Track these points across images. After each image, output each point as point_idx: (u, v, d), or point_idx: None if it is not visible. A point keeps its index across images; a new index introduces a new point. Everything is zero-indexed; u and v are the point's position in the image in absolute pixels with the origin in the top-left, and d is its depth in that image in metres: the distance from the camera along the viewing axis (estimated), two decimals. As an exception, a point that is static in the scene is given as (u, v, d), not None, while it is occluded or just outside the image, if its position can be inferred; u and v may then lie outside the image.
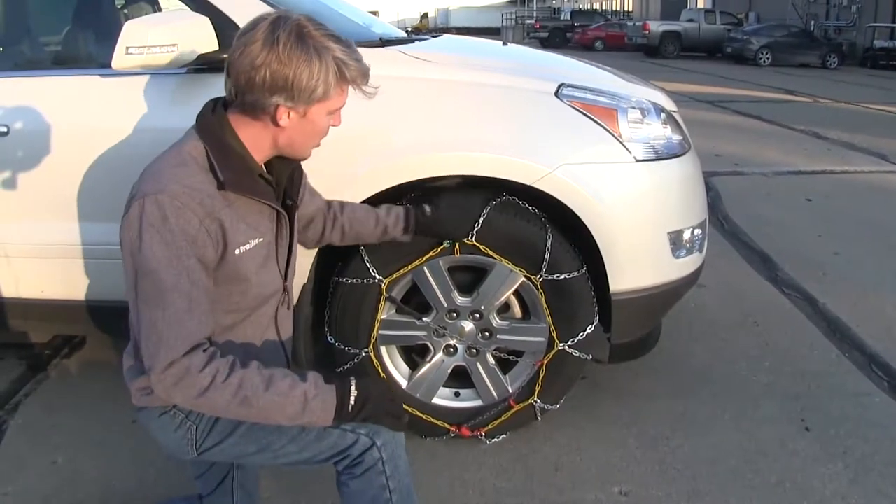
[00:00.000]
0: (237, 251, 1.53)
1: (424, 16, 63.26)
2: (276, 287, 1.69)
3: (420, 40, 2.91)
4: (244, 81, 1.46)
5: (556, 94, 2.29)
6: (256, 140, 1.55)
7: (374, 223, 2.06)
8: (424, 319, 2.41)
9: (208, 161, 1.51)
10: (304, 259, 2.27)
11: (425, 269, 2.30)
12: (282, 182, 1.66)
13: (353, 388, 1.53)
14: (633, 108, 2.35)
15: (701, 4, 39.25)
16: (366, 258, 2.27)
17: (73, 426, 2.64)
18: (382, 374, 2.44)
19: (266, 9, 2.00)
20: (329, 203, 2.02)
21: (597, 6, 56.48)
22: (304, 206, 1.89)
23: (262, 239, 1.60)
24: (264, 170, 1.61)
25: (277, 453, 1.64)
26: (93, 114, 2.33)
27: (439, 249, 2.25)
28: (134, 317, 1.48)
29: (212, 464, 1.89)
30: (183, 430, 1.64)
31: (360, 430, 1.61)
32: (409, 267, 2.29)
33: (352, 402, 1.52)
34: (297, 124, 1.53)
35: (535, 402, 2.49)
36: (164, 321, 1.42)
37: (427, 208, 2.12)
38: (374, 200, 2.18)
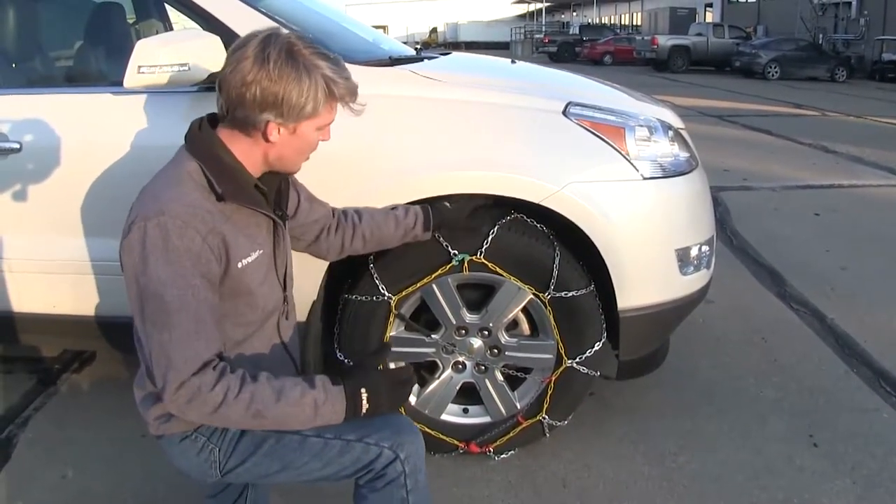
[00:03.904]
0: (240, 264, 1.54)
1: (434, 30, 63.35)
2: (278, 298, 1.70)
3: (429, 58, 2.93)
4: (235, 97, 1.49)
5: (564, 113, 2.30)
6: (248, 155, 1.56)
7: (395, 226, 2.07)
8: (433, 336, 2.42)
9: (205, 177, 1.52)
10: (314, 276, 2.29)
11: (434, 286, 2.31)
12: (272, 193, 1.68)
13: (363, 392, 1.55)
14: (641, 126, 2.36)
15: (709, 18, 39.33)
16: (375, 275, 2.28)
17: (82, 441, 2.66)
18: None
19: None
20: (344, 212, 2.03)
21: (605, 20, 56.62)
22: (306, 215, 1.91)
23: (262, 251, 1.61)
24: (258, 182, 1.62)
25: (301, 470, 1.63)
26: (105, 131, 2.35)
27: (448, 267, 2.27)
28: (142, 339, 1.47)
29: (227, 484, 1.89)
30: (206, 454, 1.63)
31: (383, 444, 1.60)
32: (419, 284, 2.31)
33: (365, 405, 1.55)
34: (286, 140, 1.55)
35: (544, 418, 2.49)
36: (171, 343, 1.42)
37: (448, 203, 2.17)
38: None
